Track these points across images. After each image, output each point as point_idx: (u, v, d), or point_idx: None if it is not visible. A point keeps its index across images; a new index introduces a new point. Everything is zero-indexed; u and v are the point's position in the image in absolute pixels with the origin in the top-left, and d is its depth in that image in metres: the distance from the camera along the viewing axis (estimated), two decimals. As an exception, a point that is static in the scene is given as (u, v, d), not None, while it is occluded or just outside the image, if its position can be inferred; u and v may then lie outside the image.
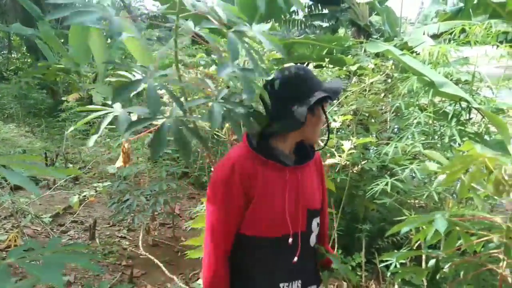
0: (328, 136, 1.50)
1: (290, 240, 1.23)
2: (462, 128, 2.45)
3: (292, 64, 1.38)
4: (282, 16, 7.97)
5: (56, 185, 4.78)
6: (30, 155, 5.59)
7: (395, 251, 2.71)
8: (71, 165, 5.59)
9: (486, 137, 2.67)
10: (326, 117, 1.33)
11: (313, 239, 1.33)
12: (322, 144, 2.06)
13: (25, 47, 11.98)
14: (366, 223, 2.82)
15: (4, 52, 14.30)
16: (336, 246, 2.46)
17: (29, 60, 11.14)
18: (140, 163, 3.62)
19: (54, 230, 3.81)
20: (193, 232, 3.81)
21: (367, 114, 3.15)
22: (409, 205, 2.83)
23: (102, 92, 6.37)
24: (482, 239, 1.17)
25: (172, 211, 3.71)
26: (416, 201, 3.25)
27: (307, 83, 1.23)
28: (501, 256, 1.16)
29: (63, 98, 7.00)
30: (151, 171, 3.83)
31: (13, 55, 13.61)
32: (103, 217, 4.25)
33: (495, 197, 1.19)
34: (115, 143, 4.07)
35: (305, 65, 5.34)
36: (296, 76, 1.24)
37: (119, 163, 1.47)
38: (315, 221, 1.33)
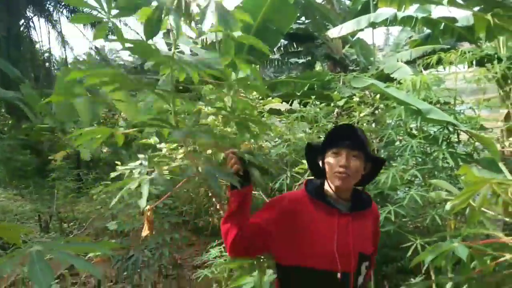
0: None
1: (339, 275, 1.36)
2: (453, 150, 2.55)
3: None
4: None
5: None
6: (22, 218, 5.49)
7: (405, 276, 2.75)
8: (65, 225, 5.49)
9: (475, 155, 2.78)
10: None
11: (360, 280, 1.45)
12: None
13: (4, 109, 11.89)
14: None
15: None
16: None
17: (9, 122, 11.02)
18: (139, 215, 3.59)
19: (56, 294, 3.69)
20: (201, 282, 3.74)
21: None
22: (407, 228, 2.88)
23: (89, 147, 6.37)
24: (499, 260, 1.23)
25: (176, 262, 3.67)
26: (410, 222, 3.31)
27: (324, 138, 1.53)
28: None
29: (49, 157, 6.94)
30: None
31: (-8, 118, 13.48)
32: (106, 275, 4.15)
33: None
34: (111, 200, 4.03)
35: (289, 102, 5.48)
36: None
37: (145, 232, 1.54)
38: (364, 265, 1.46)
